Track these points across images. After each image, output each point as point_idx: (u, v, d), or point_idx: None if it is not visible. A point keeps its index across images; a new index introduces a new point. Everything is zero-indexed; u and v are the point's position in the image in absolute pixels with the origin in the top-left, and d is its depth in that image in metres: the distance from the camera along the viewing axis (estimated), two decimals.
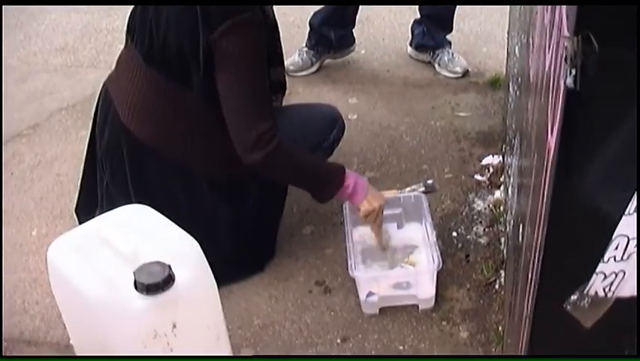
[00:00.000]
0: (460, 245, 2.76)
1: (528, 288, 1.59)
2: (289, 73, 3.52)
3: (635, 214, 1.21)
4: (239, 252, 2.62)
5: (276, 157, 2.32)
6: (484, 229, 2.82)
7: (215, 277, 1.96)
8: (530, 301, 1.55)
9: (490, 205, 2.91)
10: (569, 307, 1.37)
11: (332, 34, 3.81)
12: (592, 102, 1.15)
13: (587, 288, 1.33)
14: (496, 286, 2.56)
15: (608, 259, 1.28)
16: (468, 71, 3.82)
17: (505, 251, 2.61)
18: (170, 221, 2.00)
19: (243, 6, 2.22)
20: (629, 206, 1.21)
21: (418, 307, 2.51)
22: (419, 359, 2.39)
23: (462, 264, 2.68)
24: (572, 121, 1.18)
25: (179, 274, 1.76)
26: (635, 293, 1.33)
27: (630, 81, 1.12)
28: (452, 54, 3.82)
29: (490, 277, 2.60)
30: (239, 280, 2.65)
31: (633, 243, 1.25)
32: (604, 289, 1.33)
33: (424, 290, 2.50)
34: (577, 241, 1.33)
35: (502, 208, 2.84)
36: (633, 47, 1.09)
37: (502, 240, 2.71)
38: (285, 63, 2.83)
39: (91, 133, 2.68)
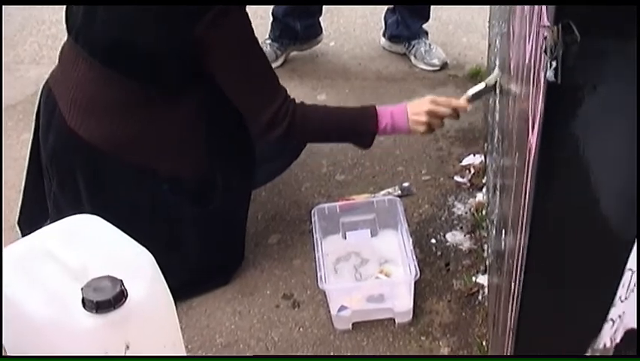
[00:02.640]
0: (439, 253, 2.78)
1: (511, 299, 1.61)
2: None
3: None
4: (205, 260, 2.64)
5: (296, 128, 2.41)
6: (465, 235, 2.84)
7: (173, 291, 1.95)
8: (514, 312, 1.56)
9: (472, 209, 2.94)
10: None
11: (297, 25, 3.83)
12: (575, 97, 1.16)
13: (598, 342, 1.32)
14: (479, 297, 2.58)
15: (617, 301, 1.27)
16: (446, 63, 3.84)
17: (488, 259, 2.63)
18: (121, 232, 1.99)
19: None
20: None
21: (394, 321, 2.52)
22: (419, 359, 2.42)
23: (442, 273, 2.69)
24: (553, 117, 1.19)
25: (132, 290, 1.76)
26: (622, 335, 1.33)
27: (616, 74, 1.14)
28: (429, 45, 3.85)
29: (473, 287, 2.62)
30: (202, 293, 2.66)
31: (635, 277, 1.23)
32: (610, 339, 1.32)
33: (401, 303, 2.51)
34: (562, 248, 1.35)
35: (484, 212, 2.87)
36: (618, 36, 1.10)
37: (485, 246, 2.73)
38: None
39: (33, 137, 2.67)
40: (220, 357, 2.48)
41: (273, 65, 3.74)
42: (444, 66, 3.82)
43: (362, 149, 2.63)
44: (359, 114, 2.54)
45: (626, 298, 1.26)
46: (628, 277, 1.23)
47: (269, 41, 3.86)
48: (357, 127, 2.52)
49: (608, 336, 1.31)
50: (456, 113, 2.54)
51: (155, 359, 1.89)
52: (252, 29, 2.36)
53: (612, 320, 1.29)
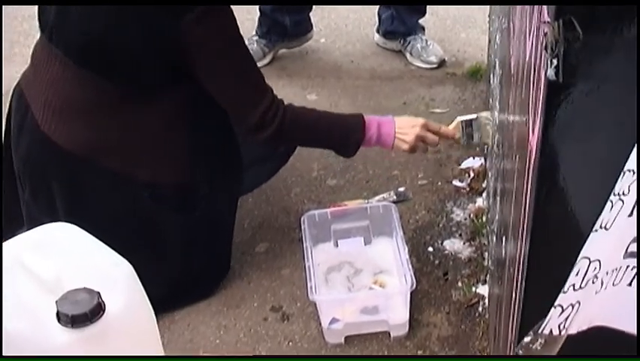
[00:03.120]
0: (436, 262, 2.78)
1: (512, 309, 1.61)
2: None
3: (602, 231, 1.20)
4: (188, 270, 2.64)
5: (286, 130, 2.44)
6: (465, 243, 2.84)
7: (154, 304, 1.95)
8: (515, 324, 1.57)
9: (471, 215, 2.94)
10: (520, 351, 1.36)
11: (286, 20, 3.83)
12: (576, 96, 1.17)
13: (543, 326, 1.32)
14: (480, 309, 2.59)
15: (568, 288, 1.27)
16: (444, 60, 3.85)
17: (489, 267, 2.64)
18: (99, 241, 1.98)
19: None
20: (599, 220, 1.20)
21: (389, 334, 2.52)
22: (420, 358, 2.43)
23: (439, 283, 2.70)
24: (554, 118, 1.20)
25: (110, 303, 1.75)
26: (584, 328, 1.33)
27: (621, 72, 1.14)
28: (426, 41, 3.86)
29: (473, 297, 2.62)
30: (184, 306, 2.66)
31: (592, 266, 1.24)
32: (559, 326, 1.32)
33: (396, 315, 2.52)
34: (565, 255, 1.35)
35: (484, 218, 2.87)
36: (623, 32, 1.11)
37: (486, 254, 2.74)
38: None
39: (4, 143, 2.66)
40: (220, 357, 2.49)
41: (261, 64, 3.78)
42: (442, 64, 3.83)
43: (344, 157, 2.67)
44: (348, 122, 2.57)
45: (580, 288, 1.26)
46: (585, 266, 1.23)
47: (256, 38, 3.86)
48: (345, 135, 2.54)
49: (556, 324, 1.31)
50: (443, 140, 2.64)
51: (156, 359, 1.89)
52: (238, 28, 2.37)
53: (561, 306, 1.28)
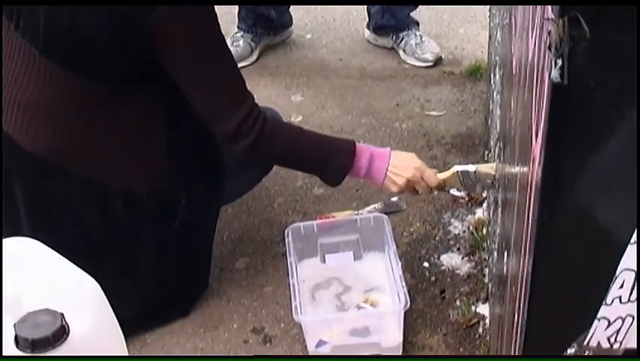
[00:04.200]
0: (433, 278, 2.79)
1: (515, 331, 1.61)
2: None
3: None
4: (163, 287, 2.64)
5: (263, 143, 2.40)
6: (463, 258, 2.85)
7: (124, 325, 1.94)
8: (517, 347, 1.57)
9: (470, 227, 2.95)
10: None
11: (271, 12, 3.87)
12: (583, 100, 1.17)
13: (588, 338, 1.34)
14: (480, 330, 2.59)
15: (612, 301, 1.29)
16: (441, 58, 3.86)
17: (489, 285, 2.64)
18: (63, 258, 1.98)
19: None
20: (637, 231, 1.23)
21: (381, 358, 2.52)
22: (420, 358, 2.46)
23: (436, 302, 2.70)
24: (559, 123, 1.20)
25: (74, 325, 1.74)
26: None
27: (629, 73, 1.14)
28: (421, 37, 3.86)
29: (472, 317, 2.63)
30: (159, 326, 2.66)
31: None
32: (608, 339, 1.34)
33: (389, 337, 2.52)
34: (571, 272, 1.35)
35: (484, 231, 2.88)
36: (633, 30, 1.11)
37: (486, 271, 2.74)
38: None
39: None
40: (220, 357, 2.52)
41: (249, 61, 3.85)
42: (438, 62, 3.84)
43: (329, 185, 2.63)
44: (335, 144, 2.54)
45: (630, 301, 1.29)
46: (630, 278, 1.26)
47: (240, 34, 3.89)
48: (329, 157, 2.50)
49: (604, 337, 1.34)
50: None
51: (156, 359, 1.89)
52: (218, 24, 2.35)
53: (607, 319, 1.31)
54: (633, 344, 1.36)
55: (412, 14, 3.89)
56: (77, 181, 2.45)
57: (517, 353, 1.58)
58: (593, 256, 1.31)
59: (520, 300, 1.52)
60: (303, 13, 4.04)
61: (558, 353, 1.45)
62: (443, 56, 3.87)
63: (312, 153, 2.52)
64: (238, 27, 3.90)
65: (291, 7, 4.00)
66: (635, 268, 1.25)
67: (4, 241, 2.04)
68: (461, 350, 2.54)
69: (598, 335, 1.34)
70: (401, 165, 2.51)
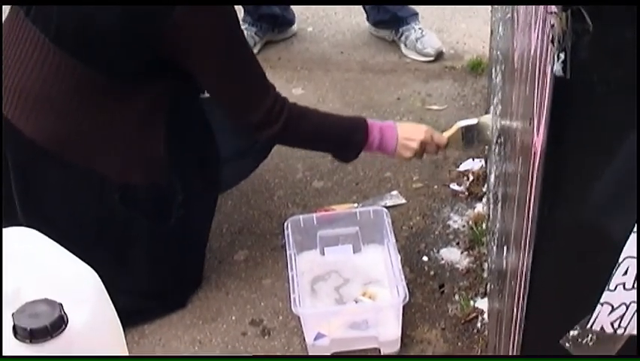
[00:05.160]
0: (432, 272, 2.78)
1: (513, 326, 1.61)
2: None
3: None
4: (158, 280, 2.64)
5: (291, 126, 2.48)
6: (463, 252, 2.85)
7: (122, 316, 1.94)
8: (516, 344, 1.57)
9: (470, 222, 2.95)
10: (567, 344, 1.39)
11: (276, 8, 3.92)
12: (586, 94, 1.16)
13: (591, 322, 1.36)
14: (478, 324, 2.59)
15: (616, 287, 1.31)
16: (442, 52, 3.86)
17: (488, 279, 2.64)
18: (62, 248, 1.97)
19: None
20: None
21: (379, 351, 2.53)
22: (420, 358, 2.46)
23: (435, 296, 2.70)
24: (561, 118, 1.20)
25: (73, 315, 1.74)
26: None
27: (632, 68, 1.14)
28: (421, 31, 3.86)
29: (471, 312, 2.63)
30: (154, 318, 2.66)
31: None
32: (612, 324, 1.36)
33: (387, 330, 2.52)
34: (571, 267, 1.35)
35: (484, 226, 2.88)
36: (636, 25, 1.11)
37: (485, 265, 2.74)
38: None
39: None
40: (219, 357, 2.52)
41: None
42: (439, 56, 3.84)
43: (344, 162, 2.74)
44: (350, 122, 2.63)
45: (633, 288, 1.31)
46: (634, 265, 1.28)
47: (245, 26, 3.91)
48: (347, 135, 2.59)
49: (608, 321, 1.36)
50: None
51: (156, 359, 1.89)
52: (239, 23, 2.41)
53: (610, 304, 1.33)
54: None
55: (408, 6, 3.89)
56: (75, 171, 2.45)
57: (515, 348, 1.58)
58: (592, 252, 1.31)
59: (519, 295, 1.52)
60: (304, 7, 4.04)
61: (556, 349, 1.45)
62: (444, 51, 3.87)
63: (332, 134, 2.61)
64: (243, 20, 3.91)
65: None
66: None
67: (3, 230, 2.04)
68: (459, 344, 2.54)
69: (601, 319, 1.35)
70: (410, 131, 2.62)
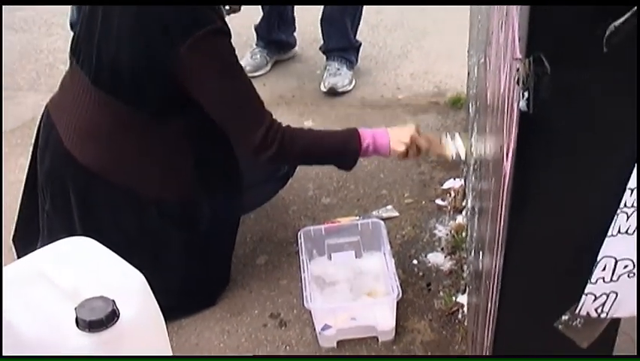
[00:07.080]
0: (420, 273, 2.78)
1: (488, 317, 1.62)
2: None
3: (625, 235, 1.26)
4: (191, 282, 2.63)
5: (286, 149, 2.39)
6: (446, 256, 2.84)
7: (163, 311, 1.95)
8: (490, 332, 1.57)
9: (452, 231, 2.94)
10: (560, 326, 1.40)
11: (282, 36, 4.10)
12: (546, 126, 1.18)
13: (578, 308, 1.37)
14: (459, 316, 2.59)
15: (597, 280, 1.32)
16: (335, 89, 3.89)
17: (467, 279, 2.64)
18: (113, 253, 1.99)
19: (203, 19, 2.24)
20: (612, 227, 1.25)
21: (377, 339, 2.52)
22: (420, 358, 2.44)
23: (423, 293, 2.70)
24: (526, 145, 1.21)
25: (123, 310, 1.75)
26: (635, 314, 1.37)
27: (584, 104, 1.15)
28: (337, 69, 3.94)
29: (453, 306, 2.62)
30: (189, 314, 2.65)
31: (622, 264, 1.30)
32: (596, 310, 1.37)
33: (384, 322, 2.52)
34: (537, 269, 1.36)
35: (464, 234, 2.87)
36: (586, 68, 1.12)
37: (465, 267, 2.74)
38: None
39: (31, 159, 2.67)
40: (219, 357, 2.50)
41: (264, 70, 4.04)
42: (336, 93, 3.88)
43: (345, 170, 2.62)
44: (343, 135, 2.53)
45: (612, 281, 1.33)
46: (611, 264, 1.30)
47: (258, 49, 4.08)
48: (342, 148, 2.50)
49: (592, 308, 1.37)
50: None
51: (155, 358, 1.89)
52: (234, 53, 2.35)
53: (593, 294, 1.35)
54: (622, 315, 1.39)
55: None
56: (118, 190, 2.46)
57: (490, 336, 1.58)
58: (554, 255, 1.32)
59: (493, 291, 1.52)
60: (315, 52, 4.05)
61: (524, 337, 1.46)
62: (429, 89, 3.88)
63: (327, 147, 2.51)
64: (256, 44, 4.10)
65: (305, 44, 4.17)
66: (615, 256, 1.29)
67: (65, 239, 2.06)
68: (444, 333, 2.54)
69: (587, 306, 1.36)
70: (400, 129, 2.54)
